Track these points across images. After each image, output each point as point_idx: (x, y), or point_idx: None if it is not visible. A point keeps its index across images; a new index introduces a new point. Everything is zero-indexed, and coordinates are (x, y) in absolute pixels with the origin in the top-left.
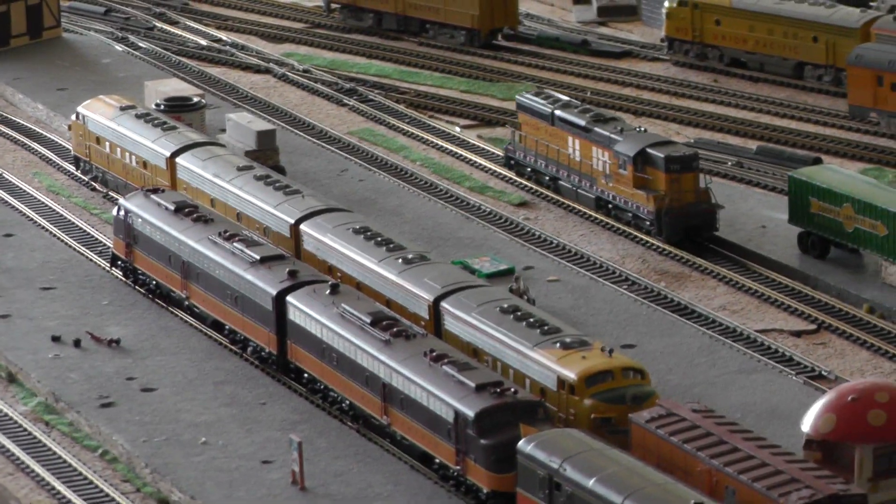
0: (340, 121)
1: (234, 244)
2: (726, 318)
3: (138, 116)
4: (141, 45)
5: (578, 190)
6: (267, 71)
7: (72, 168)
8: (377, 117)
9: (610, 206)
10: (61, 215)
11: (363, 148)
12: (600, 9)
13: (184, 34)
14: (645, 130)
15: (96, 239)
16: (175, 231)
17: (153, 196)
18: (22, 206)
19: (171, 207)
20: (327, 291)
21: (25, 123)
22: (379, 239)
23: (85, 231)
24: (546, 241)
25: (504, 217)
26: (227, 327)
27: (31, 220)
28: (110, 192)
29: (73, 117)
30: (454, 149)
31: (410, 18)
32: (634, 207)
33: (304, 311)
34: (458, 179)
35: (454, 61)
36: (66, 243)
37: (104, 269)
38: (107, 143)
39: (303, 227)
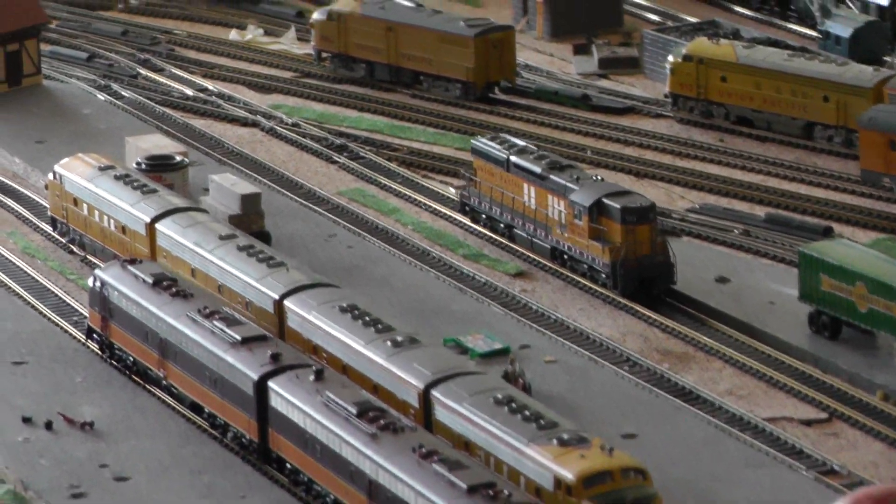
0: (329, 179)
1: (214, 322)
2: (732, 405)
3: (117, 178)
4: (124, 93)
5: (533, 239)
6: (254, 124)
7: (49, 228)
8: (368, 176)
9: (565, 256)
10: (36, 280)
11: (353, 210)
12: (601, 60)
13: (168, 83)
14: (602, 179)
15: (72, 307)
16: (152, 306)
17: (130, 267)
18: None
19: (149, 280)
20: (311, 377)
21: (1, 178)
22: (367, 318)
23: (60, 298)
24: (543, 315)
25: (499, 289)
26: (206, 410)
27: (4, 284)
28: (88, 256)
29: (51, 176)
30: (448, 212)
31: (403, 69)
32: (589, 259)
33: (286, 398)
34: (451, 246)
35: (448, 116)
36: (40, 311)
37: (79, 341)
38: (84, 205)
39: (287, 303)
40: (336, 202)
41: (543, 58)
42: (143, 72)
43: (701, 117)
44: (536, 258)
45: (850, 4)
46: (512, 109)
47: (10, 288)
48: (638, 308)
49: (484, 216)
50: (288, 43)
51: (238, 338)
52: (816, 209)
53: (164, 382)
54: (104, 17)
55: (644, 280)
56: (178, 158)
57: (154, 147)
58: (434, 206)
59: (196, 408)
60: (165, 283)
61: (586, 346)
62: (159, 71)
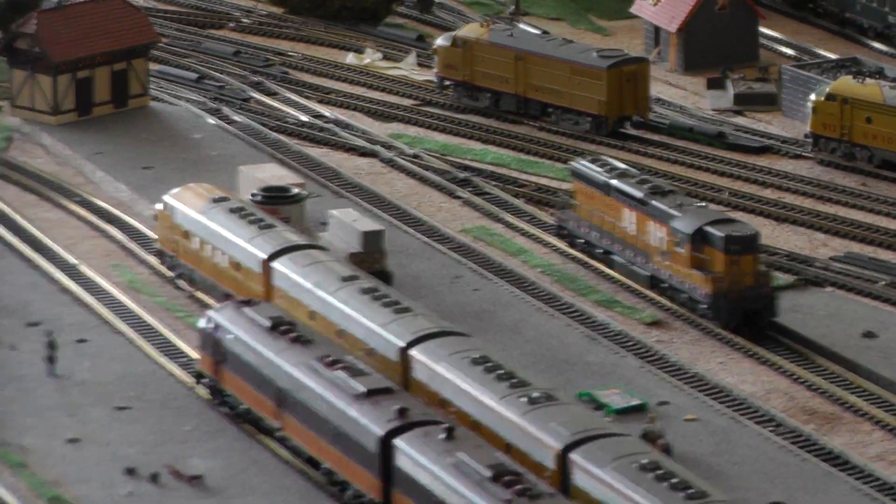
0: (453, 216)
1: (337, 372)
2: (883, 472)
3: (232, 211)
4: (235, 118)
5: (632, 266)
6: (373, 154)
7: (155, 261)
8: (493, 214)
9: (665, 285)
10: (142, 318)
11: (478, 250)
12: (737, 96)
13: (282, 107)
14: (706, 206)
15: (180, 349)
16: (270, 352)
17: (246, 309)
18: (99, 304)
19: (267, 324)
20: (442, 436)
21: (105, 206)
22: (500, 372)
23: (168, 339)
24: (681, 370)
25: (635, 340)
26: (324, 465)
27: (108, 323)
28: (197, 292)
29: (160, 206)
30: (578, 254)
31: (531, 101)
32: (690, 288)
33: (413, 457)
34: (583, 291)
35: (578, 151)
36: (147, 353)
37: (189, 386)
38: (196, 239)
39: (413, 352)
40: (460, 240)
41: (676, 91)
42: (256, 95)
43: (843, 159)
44: (674, 307)
45: None
46: (644, 146)
47: (114, 326)
48: (783, 363)
49: (581, 241)
50: (407, 68)
51: (362, 389)
52: None
53: (279, 434)
54: (215, 37)
55: (747, 312)
56: (296, 191)
57: (270, 177)
58: (563, 247)
59: (314, 463)
60: (284, 328)
61: (728, 404)
62: (272, 95)
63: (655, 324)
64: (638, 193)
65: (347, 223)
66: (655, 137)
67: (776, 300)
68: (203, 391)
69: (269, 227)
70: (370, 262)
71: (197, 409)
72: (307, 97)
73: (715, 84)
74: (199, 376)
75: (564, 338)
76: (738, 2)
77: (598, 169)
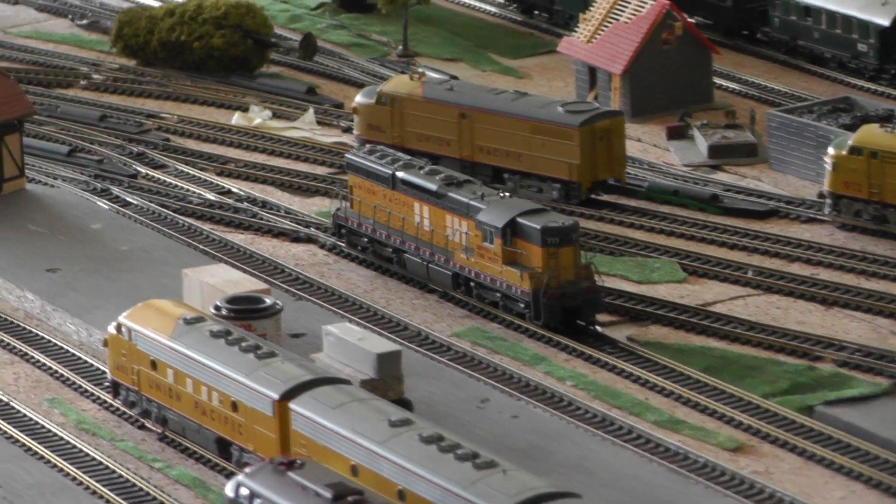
0: (435, 316)
1: None
2: None
3: (216, 335)
4: (129, 199)
5: (430, 265)
6: (309, 239)
7: (97, 390)
8: (482, 310)
9: (472, 283)
10: (114, 472)
11: (487, 361)
12: (712, 148)
13: (179, 183)
14: (510, 196)
15: None
16: None
17: (292, 474)
18: (51, 454)
19: (328, 495)
20: None
21: (13, 319)
22: None
23: (155, 499)
24: None
25: (727, 473)
26: None
27: (76, 480)
28: (167, 432)
29: (113, 330)
30: (605, 358)
31: (479, 165)
32: (504, 287)
33: None
34: (634, 409)
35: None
36: None
37: None
38: (169, 371)
39: None
40: (459, 348)
41: (631, 144)
42: (143, 169)
43: (872, 223)
44: (753, 424)
45: None
46: (624, 214)
47: (84, 483)
48: None
49: (365, 240)
50: (307, 128)
51: None
52: None
53: None
54: (68, 98)
55: (569, 309)
56: (269, 301)
57: (226, 283)
58: (585, 349)
59: None
60: (351, 499)
61: None
62: (161, 168)
63: (739, 449)
64: (431, 186)
65: (352, 343)
66: (633, 203)
67: (600, 294)
68: None
69: (270, 355)
70: (384, 389)
71: None
72: (203, 169)
73: (676, 133)
74: None
75: (646, 477)
76: (686, 36)
77: (379, 161)
